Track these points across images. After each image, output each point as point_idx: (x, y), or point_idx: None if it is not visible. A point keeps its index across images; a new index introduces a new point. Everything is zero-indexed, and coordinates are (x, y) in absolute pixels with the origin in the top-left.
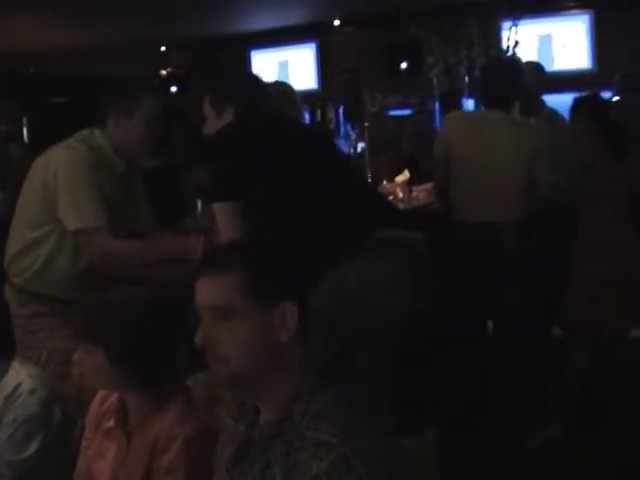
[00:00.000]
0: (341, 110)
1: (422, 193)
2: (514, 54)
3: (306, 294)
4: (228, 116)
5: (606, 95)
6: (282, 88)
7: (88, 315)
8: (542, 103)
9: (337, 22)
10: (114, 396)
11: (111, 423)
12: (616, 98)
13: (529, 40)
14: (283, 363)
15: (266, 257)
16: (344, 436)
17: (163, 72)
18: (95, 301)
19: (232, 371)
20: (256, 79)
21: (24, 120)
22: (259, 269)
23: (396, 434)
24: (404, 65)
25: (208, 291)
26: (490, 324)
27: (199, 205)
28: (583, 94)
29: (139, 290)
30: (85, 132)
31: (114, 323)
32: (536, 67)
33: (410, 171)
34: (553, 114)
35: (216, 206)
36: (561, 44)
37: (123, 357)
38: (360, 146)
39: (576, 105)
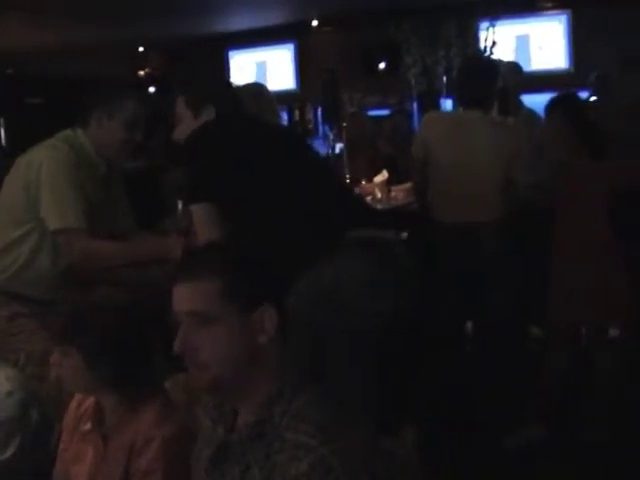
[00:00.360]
0: (319, 110)
1: (401, 193)
2: (491, 54)
3: (284, 295)
4: (206, 117)
5: (583, 95)
6: (258, 89)
7: (65, 316)
8: (520, 103)
9: (315, 22)
10: (91, 399)
11: (88, 426)
12: (593, 98)
13: (507, 40)
14: (262, 365)
15: (244, 261)
16: (323, 437)
17: (141, 73)
18: (72, 302)
19: (212, 376)
20: (229, 82)
21: (1, 121)
22: (237, 274)
23: (376, 434)
24: (382, 65)
25: (185, 297)
26: (469, 324)
27: (179, 206)
28: (560, 93)
29: (116, 291)
30: (68, 132)
31: (90, 325)
32: (514, 67)
33: (388, 171)
34: (531, 114)
35: (194, 207)
36: (538, 44)
37: (100, 359)
38: (338, 146)
39: (553, 104)
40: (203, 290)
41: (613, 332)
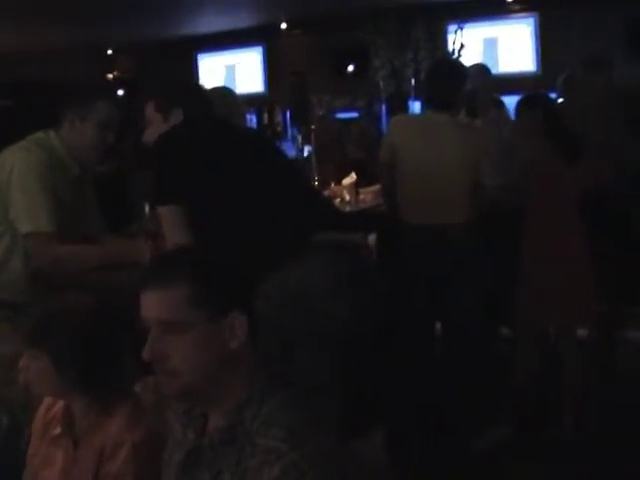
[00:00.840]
0: (288, 113)
1: (369, 195)
2: (459, 57)
3: (253, 300)
4: (175, 119)
5: (551, 97)
6: (225, 92)
7: (35, 319)
8: (502, 104)
9: (284, 25)
10: (60, 403)
11: (57, 430)
12: (560, 100)
13: (475, 43)
14: (233, 370)
15: (212, 267)
16: (293, 441)
17: (110, 76)
18: (41, 306)
19: (183, 384)
20: (198, 84)
21: None
22: (206, 281)
23: (345, 436)
24: (351, 68)
25: (154, 304)
26: (438, 326)
27: (147, 209)
28: (530, 93)
29: (85, 295)
30: (40, 134)
31: (59, 328)
32: (482, 69)
33: (357, 174)
34: (499, 114)
35: (161, 210)
36: (506, 47)
37: (69, 362)
38: (307, 149)
39: (523, 104)
40: (171, 298)
41: (582, 332)
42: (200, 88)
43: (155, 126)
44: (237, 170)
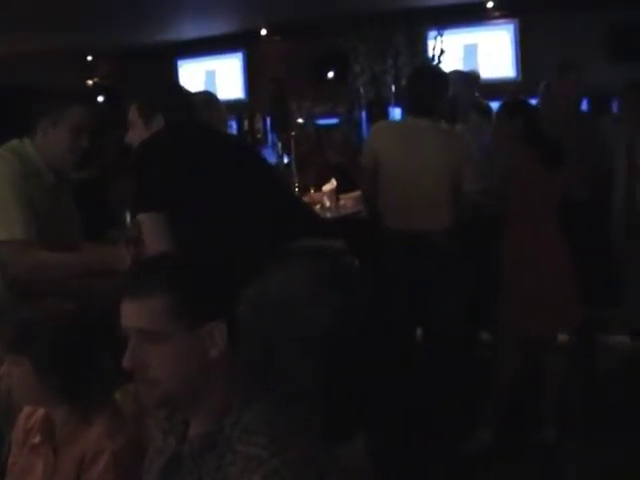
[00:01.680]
0: (268, 120)
1: (349, 201)
2: (440, 63)
3: (234, 307)
4: (156, 125)
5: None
6: (207, 98)
7: (15, 326)
8: (489, 109)
9: (264, 31)
10: (40, 411)
11: (37, 439)
12: (540, 106)
13: (455, 49)
14: (213, 378)
15: (192, 276)
16: (274, 448)
17: (90, 82)
18: (22, 312)
19: (162, 392)
20: (182, 88)
21: None
22: (185, 290)
23: (328, 442)
24: (331, 74)
25: (134, 314)
26: (419, 331)
27: (127, 216)
28: (511, 100)
29: (66, 302)
30: (15, 142)
31: (40, 335)
32: (463, 75)
33: (337, 180)
34: (479, 121)
35: (142, 216)
36: (486, 53)
37: (50, 368)
38: (287, 155)
39: (505, 110)
40: (150, 308)
41: (562, 336)
42: (183, 92)
43: (137, 130)
44: (218, 176)
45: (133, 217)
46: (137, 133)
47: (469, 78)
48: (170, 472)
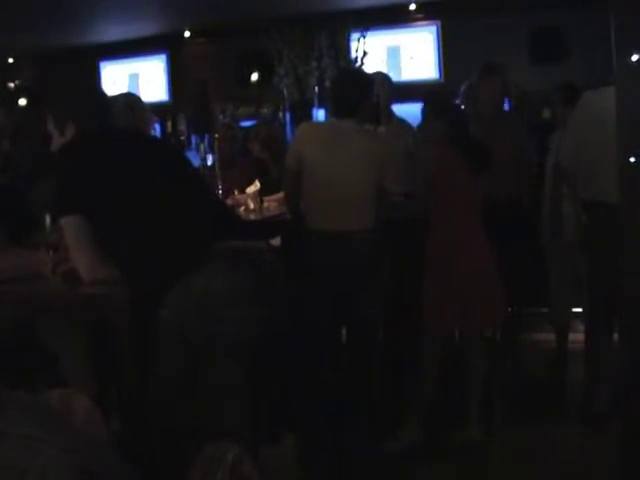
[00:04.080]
0: (187, 122)
1: (273, 203)
2: (362, 65)
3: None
4: (69, 133)
5: None
6: (131, 99)
7: None
8: (392, 112)
9: (187, 33)
10: None
11: None
12: (462, 107)
13: (378, 51)
14: None
15: None
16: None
17: (11, 85)
18: None
19: None
20: (97, 94)
21: None
22: None
23: (257, 443)
24: (255, 76)
25: None
26: (344, 331)
27: (47, 220)
28: (438, 102)
29: None
30: None
31: None
32: (385, 78)
33: (261, 181)
34: (402, 123)
35: (62, 221)
36: (409, 55)
37: None
38: (210, 157)
39: (430, 112)
40: None
41: (487, 333)
42: (98, 98)
43: (55, 139)
44: (139, 178)
45: (54, 222)
46: (55, 141)
47: (390, 81)
48: None
